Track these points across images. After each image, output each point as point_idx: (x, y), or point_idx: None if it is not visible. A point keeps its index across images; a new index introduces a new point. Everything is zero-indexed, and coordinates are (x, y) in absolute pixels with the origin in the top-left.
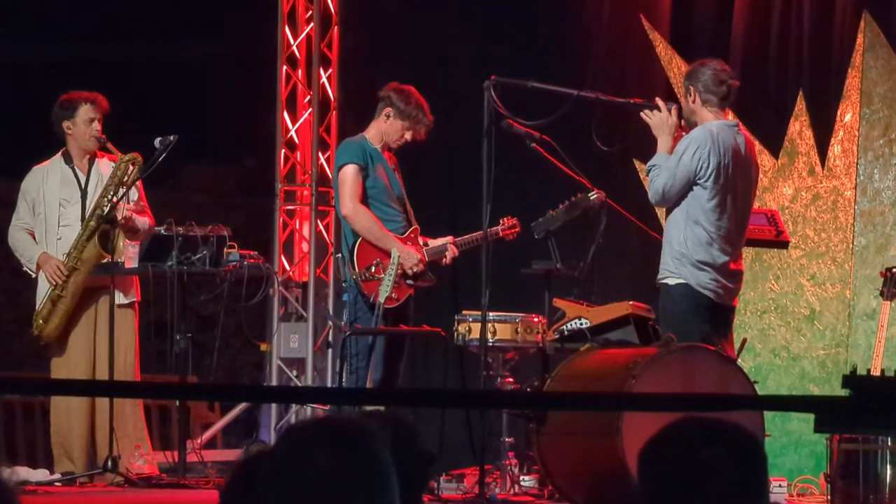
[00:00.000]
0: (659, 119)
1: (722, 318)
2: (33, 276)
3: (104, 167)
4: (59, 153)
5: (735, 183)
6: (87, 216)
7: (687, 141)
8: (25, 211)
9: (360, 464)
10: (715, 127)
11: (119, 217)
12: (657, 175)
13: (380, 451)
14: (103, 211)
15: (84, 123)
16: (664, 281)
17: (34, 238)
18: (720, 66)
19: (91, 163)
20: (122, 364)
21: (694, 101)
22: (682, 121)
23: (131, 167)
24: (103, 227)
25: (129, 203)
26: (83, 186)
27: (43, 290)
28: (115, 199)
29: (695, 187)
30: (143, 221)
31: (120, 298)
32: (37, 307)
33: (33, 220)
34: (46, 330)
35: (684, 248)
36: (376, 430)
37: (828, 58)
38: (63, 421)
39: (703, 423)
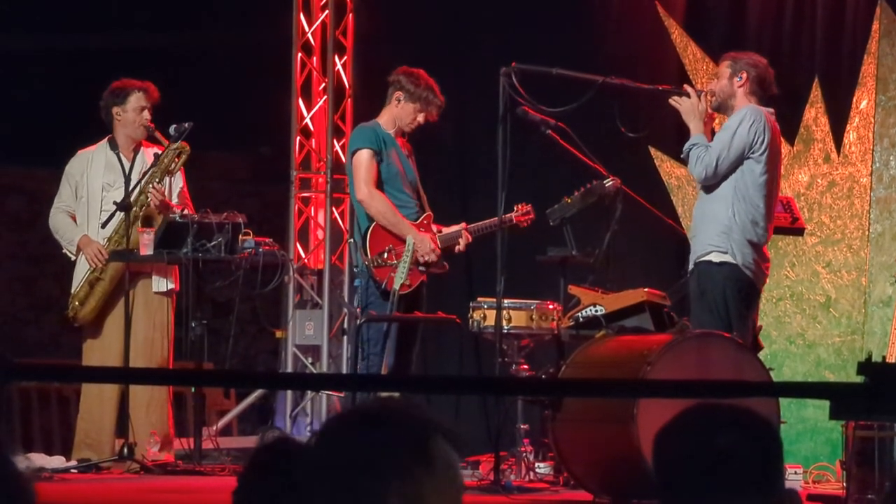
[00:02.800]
0: (689, 105)
1: (755, 302)
2: (73, 258)
3: (149, 156)
4: (105, 139)
5: (777, 164)
6: (133, 202)
7: (740, 116)
8: (68, 194)
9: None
10: (762, 108)
11: (154, 203)
12: (704, 152)
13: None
14: (147, 197)
15: (134, 111)
16: (707, 257)
17: (75, 221)
18: (770, 69)
19: (136, 151)
20: (160, 349)
21: (742, 87)
22: (712, 103)
23: (178, 158)
24: (147, 213)
25: (168, 191)
26: (127, 173)
27: (81, 272)
28: (158, 186)
29: (746, 161)
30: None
31: (159, 286)
32: (73, 289)
33: (75, 203)
34: (82, 312)
35: (733, 224)
36: (434, 420)
37: (843, 44)
38: (95, 407)
39: (718, 410)
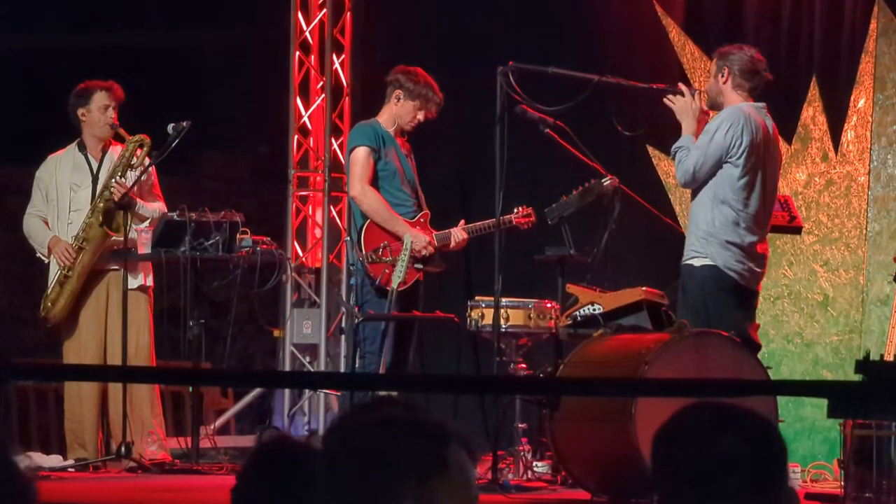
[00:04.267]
0: (683, 104)
1: (746, 302)
2: (46, 261)
3: (117, 155)
4: (75, 143)
5: (765, 163)
6: (98, 194)
7: (719, 119)
8: (39, 199)
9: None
10: (746, 106)
11: (118, 198)
12: (686, 155)
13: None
14: (110, 192)
15: (98, 111)
16: (689, 262)
17: (48, 225)
18: (758, 57)
19: (104, 151)
20: (135, 347)
21: (726, 83)
22: (706, 101)
23: (140, 149)
24: (107, 206)
25: (133, 185)
26: (95, 172)
27: (54, 273)
28: (121, 180)
29: (725, 165)
30: (154, 210)
31: (130, 282)
32: (47, 291)
33: (46, 206)
34: (53, 311)
35: (712, 228)
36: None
37: (841, 43)
38: (76, 407)
39: (722, 410)
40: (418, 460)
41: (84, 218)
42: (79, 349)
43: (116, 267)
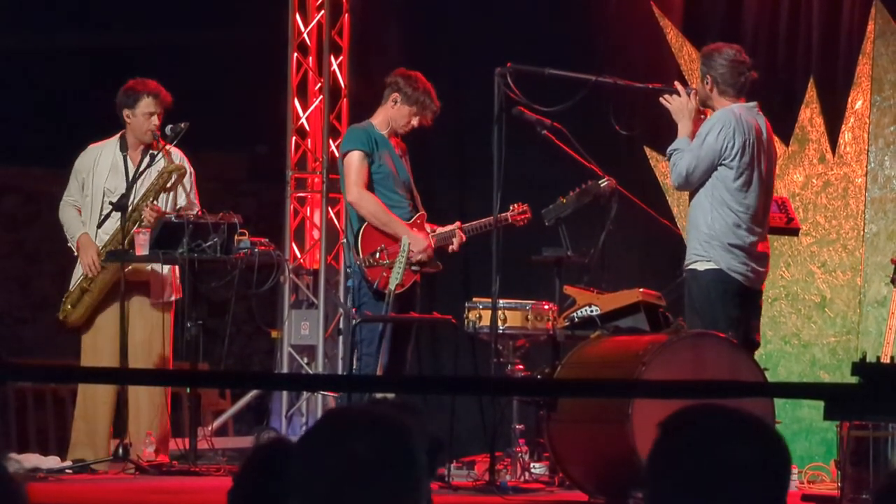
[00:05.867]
0: (679, 104)
1: (751, 303)
2: (75, 253)
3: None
4: (118, 136)
5: (759, 163)
6: (127, 215)
7: (711, 122)
8: (76, 188)
9: (398, 459)
10: (737, 108)
11: (148, 221)
12: (680, 158)
13: (418, 449)
14: (140, 214)
15: (143, 116)
16: (692, 266)
17: (81, 214)
18: (739, 57)
19: (144, 154)
20: (158, 349)
21: (711, 90)
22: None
23: (180, 178)
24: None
25: (173, 198)
26: (130, 178)
27: (78, 273)
28: (154, 205)
29: (720, 168)
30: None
31: (157, 299)
32: (70, 288)
33: (82, 197)
34: (73, 316)
35: (713, 231)
36: (415, 428)
37: (839, 45)
38: (90, 408)
39: (731, 415)
40: (384, 459)
41: (113, 231)
42: (95, 350)
43: (145, 279)
